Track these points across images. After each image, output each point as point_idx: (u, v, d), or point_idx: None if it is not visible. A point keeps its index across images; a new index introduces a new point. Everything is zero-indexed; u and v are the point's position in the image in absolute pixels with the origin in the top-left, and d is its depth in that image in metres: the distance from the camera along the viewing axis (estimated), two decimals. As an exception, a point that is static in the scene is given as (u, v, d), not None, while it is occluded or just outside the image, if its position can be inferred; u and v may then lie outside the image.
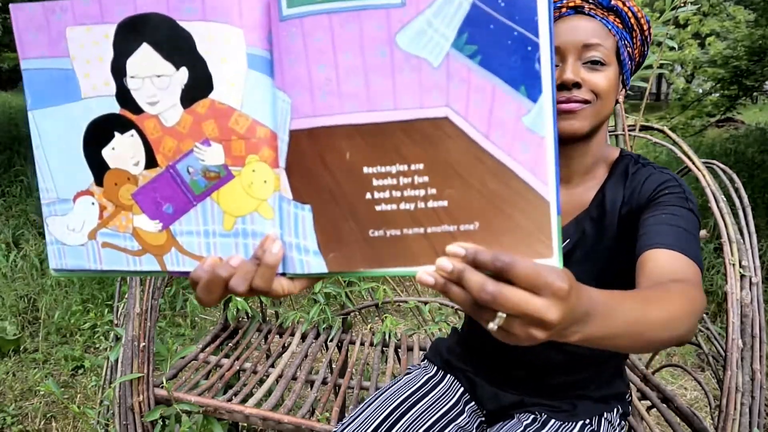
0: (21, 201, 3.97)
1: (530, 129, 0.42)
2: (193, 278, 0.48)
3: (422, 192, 0.44)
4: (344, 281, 1.77)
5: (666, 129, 1.28)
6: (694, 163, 1.16)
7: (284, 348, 1.59)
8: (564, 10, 0.74)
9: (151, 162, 0.50)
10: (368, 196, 0.45)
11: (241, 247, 0.49)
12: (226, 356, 1.49)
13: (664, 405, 1.23)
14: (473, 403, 0.95)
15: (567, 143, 0.76)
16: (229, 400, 1.24)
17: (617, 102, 0.79)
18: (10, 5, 0.52)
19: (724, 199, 1.11)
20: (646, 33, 0.77)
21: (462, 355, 0.97)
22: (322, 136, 0.45)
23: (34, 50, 0.51)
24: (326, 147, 0.45)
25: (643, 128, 1.37)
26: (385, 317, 1.64)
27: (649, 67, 1.45)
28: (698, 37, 6.30)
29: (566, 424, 0.85)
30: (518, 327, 0.39)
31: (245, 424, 1.35)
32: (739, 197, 1.15)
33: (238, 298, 1.61)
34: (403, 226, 0.45)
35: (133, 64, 0.49)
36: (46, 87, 0.51)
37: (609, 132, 1.33)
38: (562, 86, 0.72)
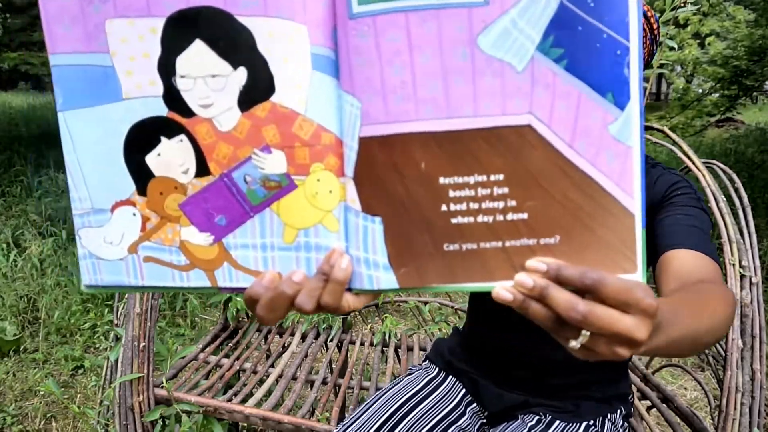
0: (21, 201, 3.97)
1: (616, 138, 0.40)
2: (251, 295, 0.45)
3: (501, 204, 0.41)
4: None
5: (666, 129, 1.28)
6: (694, 163, 1.16)
7: (284, 348, 1.59)
8: None
9: (202, 170, 0.46)
10: (444, 208, 0.42)
11: (303, 262, 0.45)
12: (226, 356, 1.49)
13: (664, 405, 1.23)
14: (475, 404, 0.95)
15: None
16: (229, 400, 1.24)
17: None
18: None
19: (724, 199, 1.11)
20: (656, 32, 0.78)
21: (464, 355, 0.97)
22: (395, 144, 0.42)
23: (66, 44, 0.45)
24: (400, 156, 0.42)
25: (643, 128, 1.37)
26: (385, 317, 1.64)
27: (649, 67, 1.45)
28: (698, 37, 6.31)
29: (570, 425, 0.85)
30: (603, 345, 0.38)
31: (245, 424, 1.35)
32: (739, 197, 1.15)
33: (238, 298, 1.62)
34: (480, 239, 0.42)
35: (184, 62, 0.44)
36: (81, 85, 0.46)
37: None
38: None
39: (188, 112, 0.45)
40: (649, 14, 0.75)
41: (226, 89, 0.44)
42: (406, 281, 0.44)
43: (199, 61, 0.44)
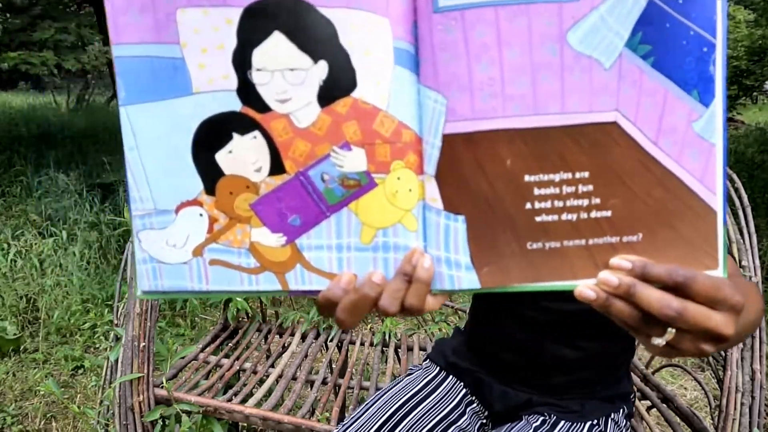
0: (21, 201, 3.98)
1: (700, 136, 0.40)
2: (329, 298, 0.43)
3: (585, 202, 0.41)
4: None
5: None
6: (694, 163, 1.16)
7: (284, 348, 1.59)
8: None
9: (276, 168, 0.44)
10: (528, 206, 0.42)
11: (380, 262, 0.44)
12: (226, 356, 1.49)
13: (664, 405, 1.23)
14: (475, 404, 0.95)
15: None
16: (229, 400, 1.24)
17: None
18: None
19: (724, 199, 1.11)
20: None
21: (468, 355, 0.97)
22: (480, 141, 0.42)
23: (131, 35, 0.43)
24: (485, 153, 0.42)
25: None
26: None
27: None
28: (698, 37, 6.30)
29: (575, 424, 0.85)
30: (689, 342, 0.38)
31: (245, 424, 1.35)
32: (739, 197, 1.15)
33: (238, 298, 1.62)
34: (563, 237, 0.42)
35: (261, 54, 0.42)
36: (147, 78, 0.43)
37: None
38: None
39: (264, 108, 0.43)
40: None
41: (306, 83, 0.42)
42: (488, 281, 0.43)
43: (277, 53, 0.42)
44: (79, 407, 1.51)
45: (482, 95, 0.41)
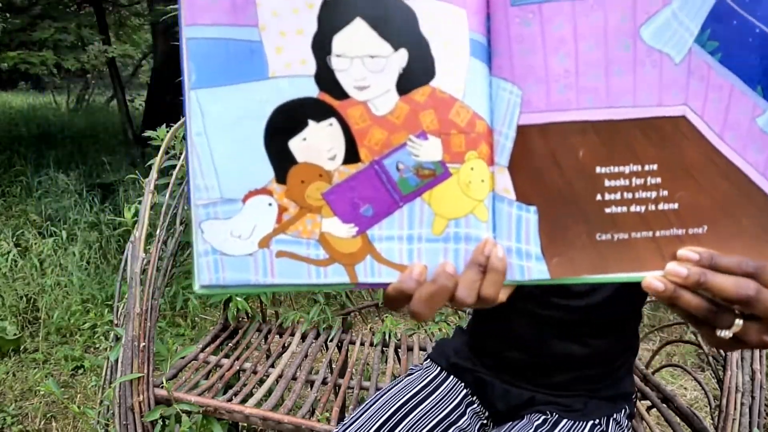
0: (21, 201, 3.98)
1: (763, 130, 0.41)
2: (402, 289, 0.42)
3: (654, 194, 0.42)
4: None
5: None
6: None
7: (284, 348, 1.59)
8: None
9: (351, 156, 0.43)
10: (599, 197, 0.42)
11: (451, 253, 0.44)
12: (226, 356, 1.49)
13: (664, 405, 1.23)
14: (475, 404, 0.94)
15: None
16: (229, 400, 1.24)
17: None
18: None
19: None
20: None
21: (470, 355, 0.97)
22: (554, 132, 0.42)
23: (206, 16, 0.42)
24: (559, 144, 0.42)
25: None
26: (385, 317, 1.64)
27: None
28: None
29: (577, 423, 0.85)
30: (755, 333, 0.39)
31: (245, 424, 1.35)
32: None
33: (239, 298, 1.62)
34: (631, 229, 0.43)
35: (341, 40, 0.41)
36: (220, 61, 0.42)
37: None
38: None
39: (341, 94, 0.42)
40: None
41: (385, 71, 0.42)
42: (558, 272, 0.44)
43: (358, 40, 0.41)
44: (79, 407, 1.51)
45: (558, 87, 0.42)
